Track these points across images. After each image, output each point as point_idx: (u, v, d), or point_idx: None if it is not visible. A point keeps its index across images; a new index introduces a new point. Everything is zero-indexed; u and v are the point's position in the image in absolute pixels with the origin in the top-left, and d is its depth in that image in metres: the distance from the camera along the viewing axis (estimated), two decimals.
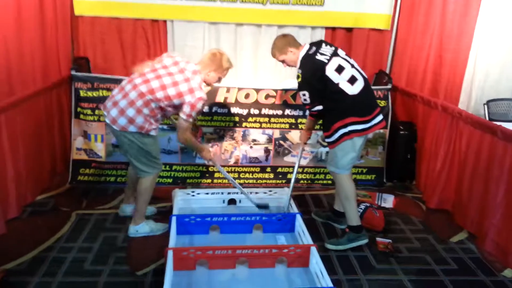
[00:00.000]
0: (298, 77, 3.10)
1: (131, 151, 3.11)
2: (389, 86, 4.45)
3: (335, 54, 3.11)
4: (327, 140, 3.22)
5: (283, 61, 3.28)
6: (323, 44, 3.20)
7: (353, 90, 3.05)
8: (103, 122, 4.05)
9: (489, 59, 4.96)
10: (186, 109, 2.99)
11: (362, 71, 3.17)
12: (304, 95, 3.11)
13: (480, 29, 4.80)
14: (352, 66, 3.12)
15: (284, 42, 3.22)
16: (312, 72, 3.06)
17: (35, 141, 3.80)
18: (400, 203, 4.05)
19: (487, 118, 4.69)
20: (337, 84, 3.02)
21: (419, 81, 4.84)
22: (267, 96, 4.22)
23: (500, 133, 3.20)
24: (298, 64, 3.16)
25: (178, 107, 3.05)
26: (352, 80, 3.06)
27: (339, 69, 3.05)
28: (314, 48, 3.14)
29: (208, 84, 3.19)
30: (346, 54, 3.22)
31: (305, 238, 3.05)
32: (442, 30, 4.71)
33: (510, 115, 4.83)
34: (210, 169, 4.31)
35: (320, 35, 4.77)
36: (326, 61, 3.04)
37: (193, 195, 3.71)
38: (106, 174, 4.21)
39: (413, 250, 3.31)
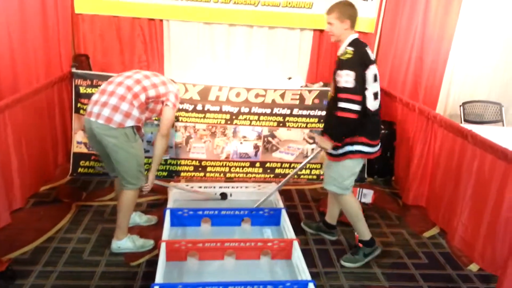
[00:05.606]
0: (345, 53, 2.79)
1: (122, 155, 2.92)
2: None
3: (375, 61, 2.88)
4: (331, 151, 2.98)
5: (330, 24, 2.88)
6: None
7: (374, 105, 2.86)
8: None
9: (467, 62, 5.14)
10: (171, 98, 3.06)
11: None
12: (347, 75, 2.72)
13: (459, 33, 4.98)
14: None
15: (349, 12, 2.85)
16: (361, 58, 2.79)
17: (37, 135, 3.96)
18: (378, 198, 4.22)
19: (462, 119, 4.90)
20: (366, 89, 2.80)
21: (400, 82, 5.00)
22: (257, 95, 4.42)
23: (470, 138, 3.32)
24: (347, 43, 2.85)
25: (150, 109, 3.08)
26: (376, 95, 2.87)
27: (375, 77, 2.84)
28: (364, 43, 2.91)
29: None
30: None
31: (289, 232, 3.19)
32: (423, 33, 4.86)
33: (485, 116, 4.97)
34: (203, 163, 4.54)
35: (308, 36, 4.98)
36: (373, 59, 2.86)
37: None
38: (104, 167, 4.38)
39: (388, 244, 3.50)
